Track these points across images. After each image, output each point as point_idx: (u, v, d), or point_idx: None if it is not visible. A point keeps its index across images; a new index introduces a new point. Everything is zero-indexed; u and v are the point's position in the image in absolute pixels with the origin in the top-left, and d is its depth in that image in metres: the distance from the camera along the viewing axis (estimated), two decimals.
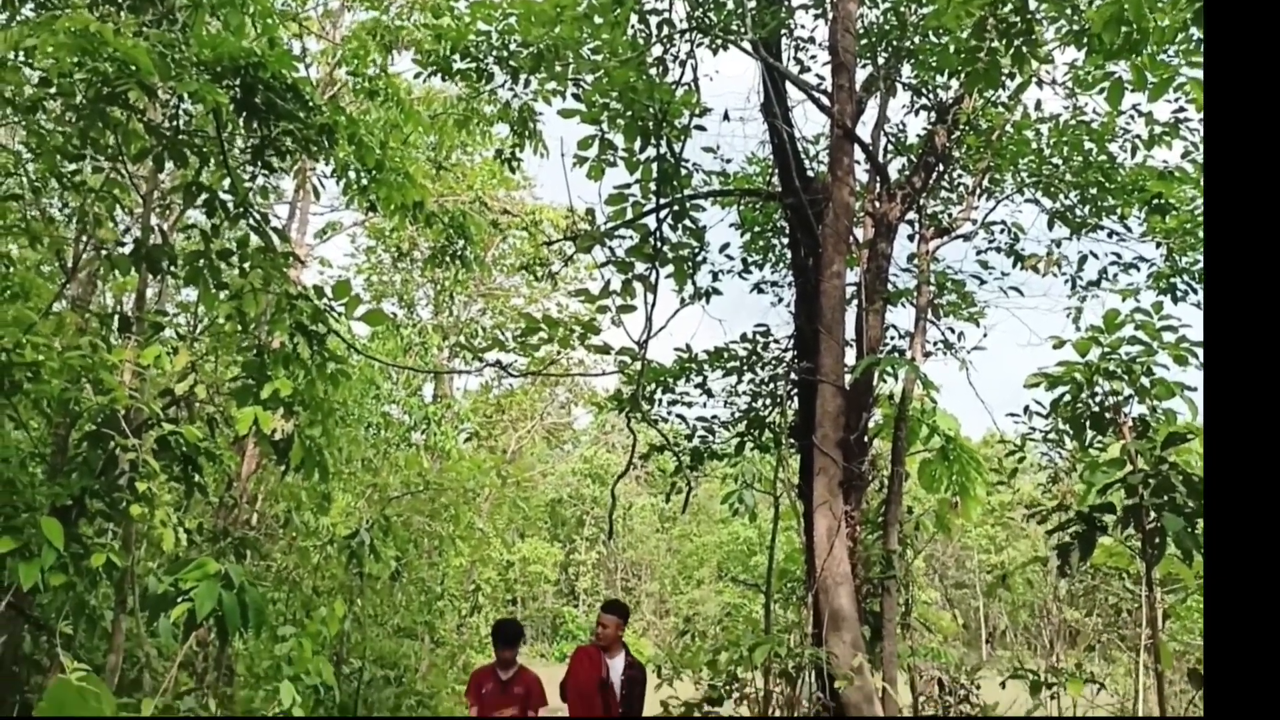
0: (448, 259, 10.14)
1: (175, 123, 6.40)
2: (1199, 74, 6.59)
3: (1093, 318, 4.85)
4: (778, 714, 7.25)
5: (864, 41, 9.14)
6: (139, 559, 8.29)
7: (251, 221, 6.25)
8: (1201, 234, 8.27)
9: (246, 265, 6.11)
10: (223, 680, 9.80)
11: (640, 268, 7.79)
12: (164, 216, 9.09)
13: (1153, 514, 4.24)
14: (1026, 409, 6.63)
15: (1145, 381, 4.57)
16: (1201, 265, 8.83)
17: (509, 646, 7.07)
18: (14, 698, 7.96)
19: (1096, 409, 4.73)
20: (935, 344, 9.61)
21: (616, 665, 7.07)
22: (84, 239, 8.64)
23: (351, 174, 8.39)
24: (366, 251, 18.28)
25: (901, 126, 10.42)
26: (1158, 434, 4.43)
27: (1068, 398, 4.82)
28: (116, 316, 6.77)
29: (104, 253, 6.40)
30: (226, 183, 6.24)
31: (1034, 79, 8.33)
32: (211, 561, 5.46)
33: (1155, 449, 4.30)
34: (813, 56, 9.79)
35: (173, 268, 6.33)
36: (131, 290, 8.19)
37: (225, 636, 5.54)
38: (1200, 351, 4.47)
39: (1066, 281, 9.67)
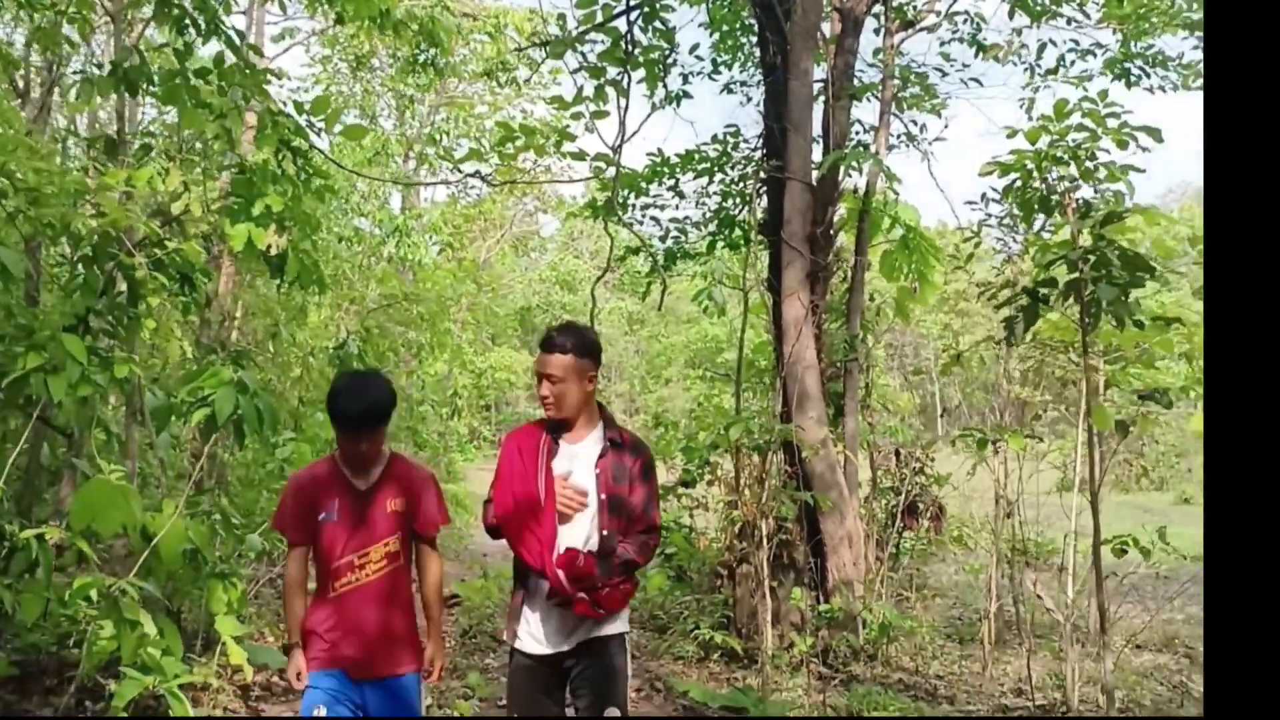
0: (419, 68, 10.05)
1: None
2: None
3: (1045, 108, 5.16)
4: (747, 489, 7.71)
5: None
6: (141, 376, 8.65)
7: (224, 39, 6.29)
8: (1155, 20, 8.47)
9: (224, 84, 6.18)
10: (220, 489, 10.35)
11: (612, 72, 7.90)
12: (127, 34, 8.93)
13: (1090, 286, 4.73)
14: (983, 196, 7.00)
15: (1090, 165, 4.98)
16: (1155, 50, 9.09)
17: (358, 431, 3.41)
18: (33, 507, 8.45)
19: (1044, 193, 5.15)
20: (898, 137, 9.89)
21: (584, 452, 3.45)
22: (46, 64, 8.54)
23: None
24: (322, 61, 17.78)
25: None
26: (1098, 214, 4.86)
27: (1019, 183, 5.22)
28: (103, 139, 6.83)
29: (82, 75, 6.41)
30: None
31: None
32: (225, 369, 5.75)
33: (1096, 227, 4.74)
34: None
35: (151, 88, 6.39)
36: (87, 113, 8.12)
37: (242, 438, 5.88)
38: (1141, 136, 4.88)
39: (1025, 70, 9.89)
